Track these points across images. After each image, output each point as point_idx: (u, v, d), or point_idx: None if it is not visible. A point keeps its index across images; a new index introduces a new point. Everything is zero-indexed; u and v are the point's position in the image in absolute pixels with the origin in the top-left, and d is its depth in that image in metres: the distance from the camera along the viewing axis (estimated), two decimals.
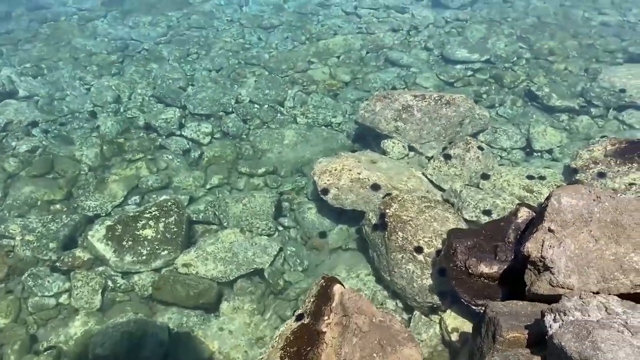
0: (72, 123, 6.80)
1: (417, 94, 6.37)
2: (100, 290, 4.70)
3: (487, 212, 4.84)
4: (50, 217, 5.38)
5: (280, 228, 5.43)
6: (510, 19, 9.14)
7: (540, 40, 8.41)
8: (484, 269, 3.90)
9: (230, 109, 7.05)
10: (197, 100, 7.11)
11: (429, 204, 4.85)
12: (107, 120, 6.77)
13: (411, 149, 6.08)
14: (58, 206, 5.67)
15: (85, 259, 4.99)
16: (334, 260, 5.07)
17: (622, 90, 6.84)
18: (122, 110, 7.12)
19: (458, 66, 7.91)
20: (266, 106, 7.13)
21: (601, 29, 8.77)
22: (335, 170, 5.38)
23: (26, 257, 5.02)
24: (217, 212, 5.50)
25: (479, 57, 7.97)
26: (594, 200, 3.56)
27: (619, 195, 3.73)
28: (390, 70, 7.93)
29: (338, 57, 8.24)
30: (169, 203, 5.30)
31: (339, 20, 9.29)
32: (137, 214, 5.23)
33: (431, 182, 5.61)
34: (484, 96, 7.26)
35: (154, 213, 5.20)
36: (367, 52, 8.36)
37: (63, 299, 4.71)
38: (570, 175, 5.36)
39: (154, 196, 5.68)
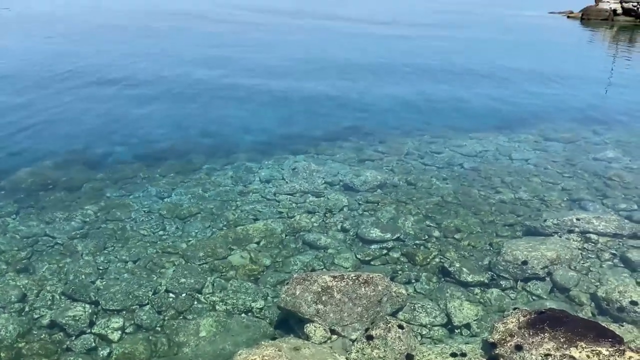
0: None
1: (336, 275, 6.47)
2: None
3: None
4: None
5: None
6: (416, 199, 9.88)
7: (446, 219, 9.07)
8: None
9: (146, 301, 6.79)
10: (109, 294, 6.81)
11: None
12: (8, 322, 6.26)
13: (333, 332, 5.98)
14: None
15: None
16: None
17: (525, 263, 7.32)
18: (27, 309, 6.64)
19: (373, 245, 8.24)
20: (183, 295, 6.93)
21: (499, 206, 9.64)
22: None
23: None
24: None
25: (391, 236, 8.39)
26: None
27: None
28: (309, 252, 8.11)
29: (258, 242, 8.36)
30: None
31: (259, 206, 9.63)
32: None
33: None
34: (399, 273, 7.50)
35: None
36: (286, 236, 8.58)
37: None
38: (490, 349, 5.41)
39: None
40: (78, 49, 24.54)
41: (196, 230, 8.72)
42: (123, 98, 16.47)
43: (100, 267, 7.58)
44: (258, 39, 29.06)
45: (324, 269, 7.58)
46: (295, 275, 6.61)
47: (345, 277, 6.40)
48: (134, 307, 6.67)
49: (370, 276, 6.47)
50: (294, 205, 9.68)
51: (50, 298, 6.87)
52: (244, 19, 38.10)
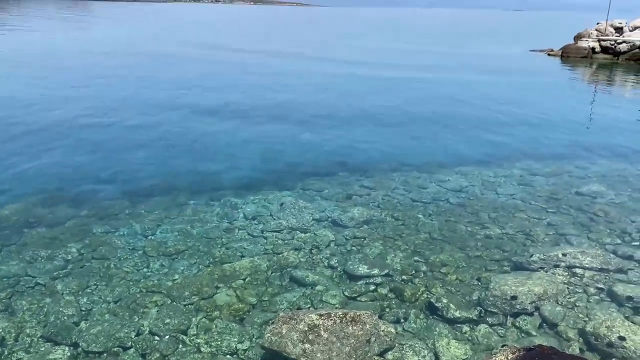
0: None
1: (323, 313, 6.38)
2: None
3: None
4: None
5: None
6: (404, 235, 9.87)
7: (433, 254, 9.06)
8: None
9: (129, 343, 6.62)
10: (91, 336, 6.63)
11: None
12: None
13: None
14: None
15: None
16: None
17: (514, 297, 7.29)
18: (6, 353, 6.44)
19: (361, 282, 8.17)
20: (167, 337, 6.78)
21: (485, 242, 9.65)
22: None
23: None
24: None
25: (379, 272, 8.34)
26: None
27: None
28: (296, 290, 8.01)
29: (244, 279, 8.26)
30: None
31: (246, 243, 9.55)
32: None
33: None
34: (387, 310, 7.42)
35: None
36: (273, 273, 8.49)
37: None
38: None
39: None
40: (65, 90, 24.59)
41: (182, 268, 8.59)
42: (110, 136, 16.43)
43: (83, 308, 7.40)
44: (243, 79, 29.41)
45: (311, 307, 7.48)
46: (281, 314, 6.52)
47: (332, 315, 6.32)
48: (116, 350, 6.50)
49: (358, 314, 6.39)
50: (281, 241, 9.62)
51: (29, 341, 6.67)
52: (229, 59, 38.63)
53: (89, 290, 7.87)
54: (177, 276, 8.32)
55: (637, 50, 42.78)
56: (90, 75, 27.91)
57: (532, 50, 52.95)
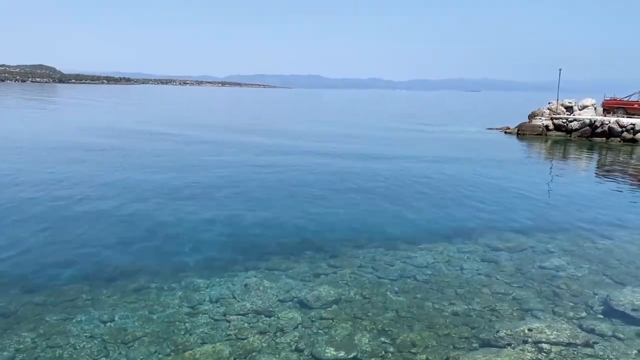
0: None
1: None
2: None
3: None
4: None
5: None
6: (372, 314, 9.73)
7: (401, 333, 8.92)
8: None
9: None
10: None
11: None
12: None
13: None
14: None
15: None
16: None
17: None
18: None
19: None
20: None
21: (452, 319, 9.58)
22: None
23: None
24: None
25: (346, 355, 8.12)
26: None
27: None
28: None
29: None
30: None
31: (207, 328, 9.24)
32: None
33: None
34: None
35: None
36: (237, 359, 8.17)
37: None
38: None
39: None
40: (19, 166, 24.25)
41: (140, 357, 8.19)
42: (68, 219, 15.99)
43: None
44: (203, 160, 29.61)
45: None
46: None
47: None
48: None
49: None
50: (245, 325, 9.33)
51: None
52: (190, 140, 39.04)
53: None
54: None
55: (588, 127, 45.20)
56: (45, 159, 27.63)
57: (489, 129, 55.27)
